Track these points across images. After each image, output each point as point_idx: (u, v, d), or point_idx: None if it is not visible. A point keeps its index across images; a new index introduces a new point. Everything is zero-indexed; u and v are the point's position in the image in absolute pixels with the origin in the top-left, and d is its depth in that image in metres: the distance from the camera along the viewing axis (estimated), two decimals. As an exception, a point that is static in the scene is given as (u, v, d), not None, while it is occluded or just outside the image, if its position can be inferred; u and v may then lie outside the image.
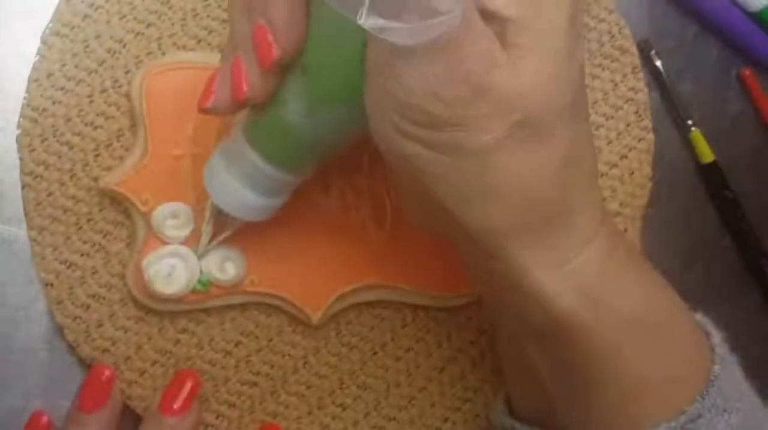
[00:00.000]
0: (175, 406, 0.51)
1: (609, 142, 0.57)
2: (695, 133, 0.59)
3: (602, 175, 0.57)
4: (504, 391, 0.51)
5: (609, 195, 0.57)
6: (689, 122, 0.59)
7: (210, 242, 0.52)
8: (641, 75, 0.58)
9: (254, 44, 0.42)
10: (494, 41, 0.38)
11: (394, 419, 0.55)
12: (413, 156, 0.39)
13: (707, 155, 0.59)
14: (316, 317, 0.53)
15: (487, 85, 0.37)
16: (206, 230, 0.51)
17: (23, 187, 0.53)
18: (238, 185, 0.47)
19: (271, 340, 0.55)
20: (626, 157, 0.57)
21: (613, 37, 0.57)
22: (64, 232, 0.53)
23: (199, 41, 0.54)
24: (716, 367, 0.43)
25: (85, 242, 0.53)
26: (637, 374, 0.42)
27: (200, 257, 0.52)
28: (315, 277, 0.54)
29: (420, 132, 0.39)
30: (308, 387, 0.55)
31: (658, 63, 0.59)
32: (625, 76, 0.58)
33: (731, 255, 0.60)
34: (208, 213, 0.51)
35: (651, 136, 0.58)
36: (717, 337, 0.45)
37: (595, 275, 0.41)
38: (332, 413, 0.55)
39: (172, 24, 0.54)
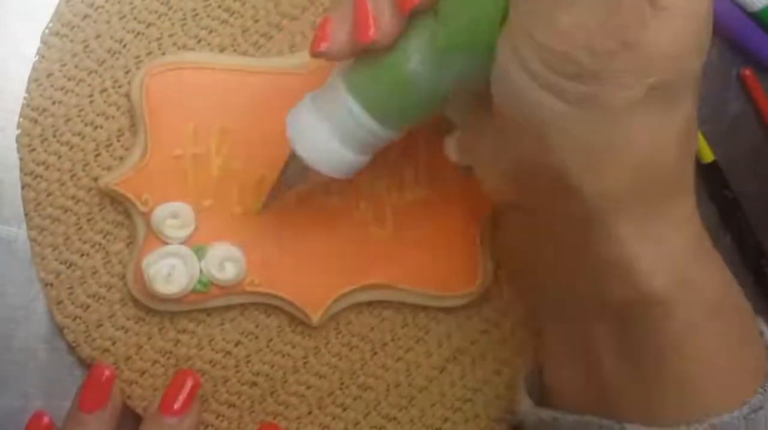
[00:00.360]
0: (176, 406, 0.51)
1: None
2: None
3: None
4: (522, 386, 0.51)
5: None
6: None
7: (272, 197, 0.51)
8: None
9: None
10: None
11: (395, 419, 0.55)
12: (544, 107, 0.39)
13: (707, 155, 0.59)
14: (316, 317, 0.53)
15: (636, 41, 0.37)
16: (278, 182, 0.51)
17: (23, 187, 0.53)
18: (329, 136, 0.45)
19: (271, 340, 0.55)
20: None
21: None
22: (64, 232, 0.53)
23: (200, 41, 0.54)
24: None
25: (85, 242, 0.53)
26: (707, 359, 0.42)
27: (261, 208, 0.52)
28: (315, 277, 0.54)
29: (560, 82, 0.38)
30: (308, 387, 0.55)
31: None
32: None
33: (731, 255, 0.60)
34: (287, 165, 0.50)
35: None
36: None
37: (690, 257, 0.41)
38: (332, 413, 0.55)
39: (173, 24, 0.54)
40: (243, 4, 0.54)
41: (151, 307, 0.53)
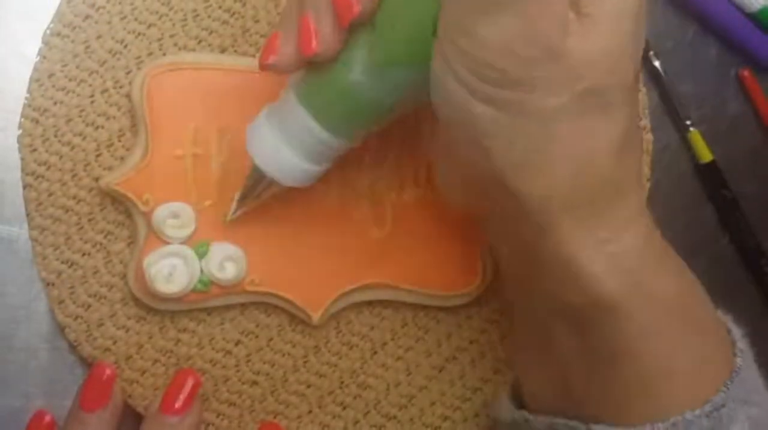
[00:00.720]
0: (176, 405, 0.51)
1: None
2: (694, 133, 0.60)
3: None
4: (507, 387, 0.51)
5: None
6: (688, 122, 0.60)
7: (238, 208, 0.52)
8: (639, 75, 0.58)
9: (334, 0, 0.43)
10: (567, 7, 0.39)
11: (395, 417, 0.56)
12: (477, 115, 0.40)
13: (706, 155, 0.59)
14: (316, 317, 0.54)
15: (559, 48, 0.38)
16: (237, 195, 0.51)
17: (24, 187, 0.53)
18: (284, 147, 0.47)
19: (271, 339, 0.55)
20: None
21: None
22: (66, 231, 0.53)
23: (200, 42, 0.54)
24: (738, 359, 0.43)
25: (86, 242, 0.53)
26: (665, 359, 0.42)
27: (230, 219, 0.52)
28: (315, 276, 0.54)
29: (488, 89, 0.39)
30: (308, 386, 0.55)
31: (657, 63, 0.60)
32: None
33: (730, 255, 0.60)
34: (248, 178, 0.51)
35: (649, 136, 0.58)
36: (737, 332, 0.45)
37: (637, 258, 0.41)
38: (332, 412, 0.55)
39: (173, 24, 0.54)
40: (243, 4, 0.55)
41: (152, 306, 0.53)
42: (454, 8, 0.40)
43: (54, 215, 0.53)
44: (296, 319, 0.55)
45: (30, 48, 0.54)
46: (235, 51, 0.54)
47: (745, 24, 0.60)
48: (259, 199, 0.51)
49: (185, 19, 0.54)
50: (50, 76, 0.53)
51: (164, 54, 0.54)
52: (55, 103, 0.53)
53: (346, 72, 0.44)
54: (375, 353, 0.56)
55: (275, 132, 0.47)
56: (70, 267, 0.53)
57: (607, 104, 0.40)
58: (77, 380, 0.54)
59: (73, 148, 0.53)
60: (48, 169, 0.53)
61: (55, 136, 0.53)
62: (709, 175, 0.60)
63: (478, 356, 0.56)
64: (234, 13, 0.54)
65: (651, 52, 0.60)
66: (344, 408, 0.55)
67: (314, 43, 0.43)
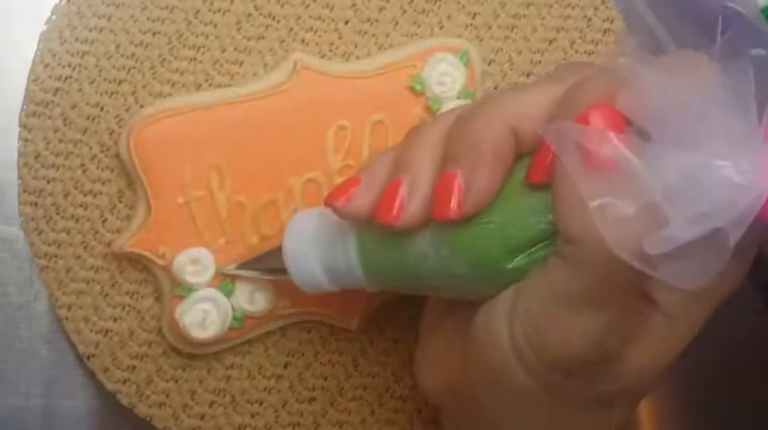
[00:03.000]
0: None
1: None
2: None
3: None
4: None
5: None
6: None
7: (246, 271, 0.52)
8: (612, 3, 0.57)
9: (438, 191, 0.40)
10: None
11: (455, 398, 0.56)
12: (513, 380, 0.40)
13: None
14: (354, 323, 0.54)
15: (622, 352, 0.39)
16: (240, 265, 0.52)
17: (41, 270, 0.53)
18: (317, 263, 0.46)
19: (317, 353, 0.55)
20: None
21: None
22: (92, 303, 0.53)
23: (174, 84, 0.54)
24: None
25: (115, 307, 0.53)
26: None
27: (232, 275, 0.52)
28: (344, 284, 0.54)
29: (540, 368, 0.39)
30: (365, 389, 0.55)
31: None
32: (596, 9, 0.57)
33: None
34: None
35: None
36: None
37: None
38: (393, 407, 0.56)
39: (143, 75, 0.54)
40: (206, 37, 0.54)
41: (195, 352, 0.53)
42: (540, 293, 0.38)
43: (77, 290, 0.53)
44: (336, 328, 0.55)
45: (30, 48, 0.53)
46: (210, 85, 0.54)
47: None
48: (265, 274, 0.52)
49: (153, 67, 0.54)
50: (36, 156, 0.53)
51: (142, 106, 0.53)
52: (49, 182, 0.53)
53: (413, 251, 0.42)
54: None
55: (316, 246, 0.46)
56: (105, 336, 0.53)
57: (616, 401, 0.41)
58: (77, 380, 0.54)
59: (78, 220, 0.53)
60: (59, 247, 0.53)
61: (57, 213, 0.53)
62: None
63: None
64: (200, 48, 0.54)
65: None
66: (404, 401, 0.56)
67: (397, 215, 0.41)
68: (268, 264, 0.50)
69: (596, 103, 0.36)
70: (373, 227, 0.43)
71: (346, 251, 0.45)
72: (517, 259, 0.39)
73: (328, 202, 0.43)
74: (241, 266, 0.52)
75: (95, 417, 0.55)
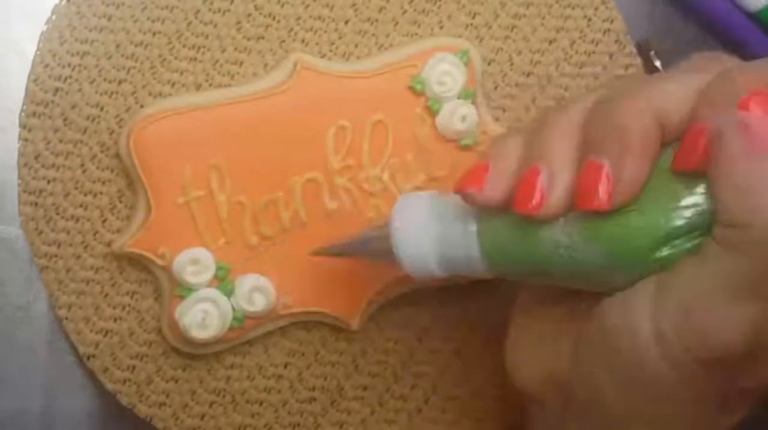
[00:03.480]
0: None
1: (596, 78, 0.57)
2: None
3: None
4: None
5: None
6: None
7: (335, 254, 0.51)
8: (612, 3, 0.57)
9: (584, 180, 0.39)
10: None
11: (456, 398, 0.56)
12: (650, 368, 0.38)
13: None
14: (355, 323, 0.54)
15: None
16: (338, 245, 0.50)
17: (41, 270, 0.53)
18: (430, 252, 0.44)
19: (317, 353, 0.55)
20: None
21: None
22: (93, 303, 0.53)
23: (174, 85, 0.54)
24: None
25: (115, 307, 0.53)
26: None
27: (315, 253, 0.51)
28: (343, 284, 0.54)
29: (685, 358, 0.38)
30: (365, 389, 0.55)
31: (658, 63, 0.59)
32: (596, 9, 0.57)
33: None
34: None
35: (638, 61, 0.57)
36: None
37: None
38: (394, 407, 0.56)
39: (143, 75, 0.54)
40: (206, 37, 0.54)
41: (195, 352, 0.53)
42: (696, 282, 0.37)
43: (77, 290, 0.53)
44: (336, 328, 0.55)
45: (29, 48, 0.53)
46: (210, 85, 0.54)
47: (745, 24, 0.60)
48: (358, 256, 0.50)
49: (154, 67, 0.54)
50: (37, 156, 0.53)
51: (142, 106, 0.53)
52: (49, 182, 0.53)
53: (548, 241, 0.40)
54: (420, 340, 0.56)
55: (430, 234, 0.44)
56: (105, 336, 0.53)
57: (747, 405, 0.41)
58: (77, 380, 0.54)
59: (77, 220, 0.53)
60: (59, 247, 0.53)
61: (57, 213, 0.53)
62: None
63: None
64: (200, 48, 0.54)
65: (652, 53, 0.59)
66: (405, 400, 0.56)
67: (538, 205, 0.39)
68: (371, 246, 0.48)
69: (754, 91, 0.37)
70: (501, 215, 0.41)
71: (467, 237, 0.43)
72: (664, 248, 0.38)
73: (459, 190, 0.42)
74: (335, 248, 0.50)
75: (95, 418, 0.55)
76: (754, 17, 0.60)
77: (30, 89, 0.53)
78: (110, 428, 0.56)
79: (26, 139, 0.53)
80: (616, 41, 0.57)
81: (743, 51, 0.60)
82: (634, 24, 0.58)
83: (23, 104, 0.53)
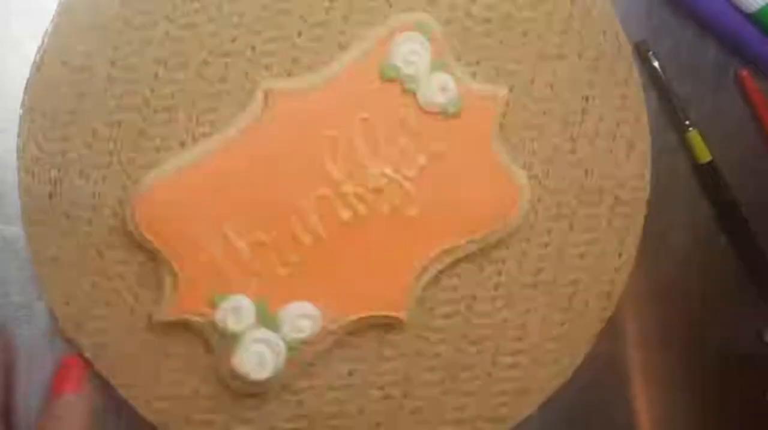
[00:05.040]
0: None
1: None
2: (693, 133, 0.59)
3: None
4: None
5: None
6: (687, 122, 0.59)
7: None
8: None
9: None
10: None
11: (519, 352, 0.57)
12: None
13: (705, 155, 0.59)
14: (404, 315, 0.55)
15: None
16: None
17: (94, 360, 0.54)
18: None
19: (377, 352, 0.56)
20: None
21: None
22: (152, 374, 0.54)
23: (159, 150, 0.54)
24: None
25: (176, 371, 0.54)
26: None
27: None
28: (380, 282, 0.55)
29: None
30: (432, 371, 0.56)
31: (656, 64, 0.59)
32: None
33: (729, 256, 0.61)
34: None
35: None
36: None
37: None
38: (465, 378, 0.57)
39: (127, 151, 0.54)
40: (173, 97, 0.55)
41: (262, 391, 0.55)
42: None
43: (132, 370, 0.54)
44: (389, 324, 0.55)
45: (29, 48, 0.54)
46: (194, 139, 0.54)
47: (744, 24, 0.59)
48: None
49: (135, 141, 0.54)
50: (54, 260, 0.54)
51: (135, 181, 0.54)
52: (73, 282, 0.54)
53: None
54: (470, 308, 0.57)
55: None
56: (171, 402, 0.54)
57: None
58: None
59: (112, 308, 0.54)
60: (105, 335, 0.54)
61: (89, 312, 0.54)
62: (709, 176, 0.60)
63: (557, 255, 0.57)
64: (171, 110, 0.54)
65: (650, 53, 0.59)
66: (472, 369, 0.57)
67: None
68: None
69: None
70: None
71: None
72: None
73: None
74: None
75: (94, 415, 0.55)
76: (753, 17, 0.59)
77: (24, 202, 0.54)
78: (109, 425, 0.56)
79: (37, 251, 0.54)
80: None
81: (742, 51, 0.60)
82: (632, 25, 0.59)
83: (22, 216, 0.54)
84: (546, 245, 0.57)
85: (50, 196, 0.54)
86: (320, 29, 0.55)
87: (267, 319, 0.53)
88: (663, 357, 0.60)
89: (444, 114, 0.54)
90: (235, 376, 0.53)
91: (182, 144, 0.54)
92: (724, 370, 0.60)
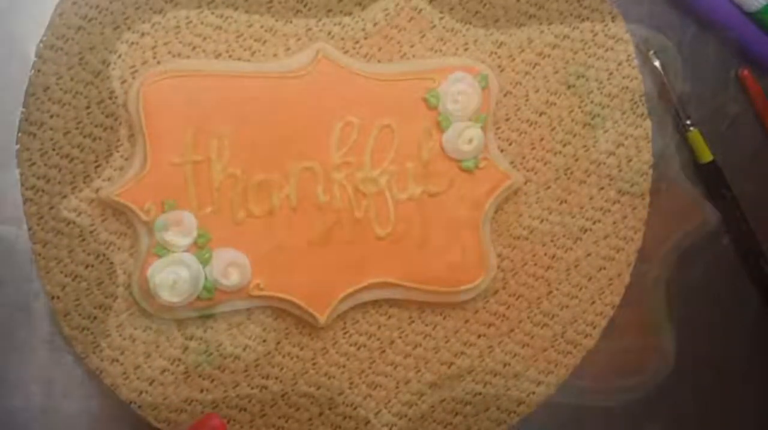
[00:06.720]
0: None
1: (605, 131, 0.57)
2: (694, 132, 0.60)
3: (599, 163, 0.57)
4: None
5: (607, 183, 0.57)
6: (688, 122, 0.60)
7: None
8: (635, 62, 0.58)
9: None
10: None
11: (405, 416, 0.56)
12: None
13: (706, 155, 0.60)
14: (322, 318, 0.54)
15: None
16: None
17: (25, 202, 0.53)
18: None
19: (279, 343, 0.55)
20: (623, 145, 0.58)
21: (606, 26, 0.58)
22: (68, 244, 0.53)
23: (194, 48, 0.54)
24: None
25: (89, 254, 0.53)
26: None
27: None
28: (319, 278, 0.54)
29: None
30: (318, 388, 0.55)
31: (657, 63, 0.59)
32: (619, 64, 0.58)
33: (730, 255, 0.61)
34: None
35: (648, 122, 0.58)
36: None
37: None
38: (343, 412, 0.55)
39: (167, 32, 0.54)
40: (236, 8, 0.54)
41: (158, 315, 0.53)
42: None
43: (56, 229, 0.53)
44: (303, 321, 0.55)
45: (29, 48, 0.53)
46: (230, 56, 0.54)
47: (745, 24, 0.60)
48: None
49: (178, 27, 0.54)
50: (45, 89, 0.53)
51: (158, 62, 0.53)
52: (52, 116, 0.53)
53: None
54: (383, 351, 0.56)
55: None
56: (74, 280, 0.53)
57: None
58: (76, 379, 0.54)
59: (71, 160, 0.53)
60: (47, 182, 0.53)
61: (53, 149, 0.53)
62: (709, 175, 0.60)
63: (486, 349, 0.56)
64: (227, 18, 0.54)
65: (651, 52, 0.59)
66: (354, 408, 0.55)
67: None
68: None
69: None
70: None
71: None
72: None
73: None
74: None
75: (94, 416, 0.55)
76: (754, 17, 0.60)
77: (53, 21, 0.53)
78: (109, 427, 0.55)
79: (38, 70, 0.53)
80: (631, 100, 0.58)
81: (743, 51, 0.61)
82: (634, 24, 0.59)
83: (43, 35, 0.53)
84: (479, 336, 0.56)
85: (78, 29, 0.53)
86: (395, 31, 0.56)
87: (202, 250, 0.52)
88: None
89: (458, 163, 0.55)
90: (143, 286, 0.52)
91: (218, 55, 0.54)
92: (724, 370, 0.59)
